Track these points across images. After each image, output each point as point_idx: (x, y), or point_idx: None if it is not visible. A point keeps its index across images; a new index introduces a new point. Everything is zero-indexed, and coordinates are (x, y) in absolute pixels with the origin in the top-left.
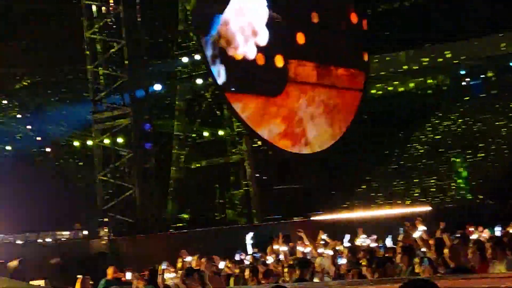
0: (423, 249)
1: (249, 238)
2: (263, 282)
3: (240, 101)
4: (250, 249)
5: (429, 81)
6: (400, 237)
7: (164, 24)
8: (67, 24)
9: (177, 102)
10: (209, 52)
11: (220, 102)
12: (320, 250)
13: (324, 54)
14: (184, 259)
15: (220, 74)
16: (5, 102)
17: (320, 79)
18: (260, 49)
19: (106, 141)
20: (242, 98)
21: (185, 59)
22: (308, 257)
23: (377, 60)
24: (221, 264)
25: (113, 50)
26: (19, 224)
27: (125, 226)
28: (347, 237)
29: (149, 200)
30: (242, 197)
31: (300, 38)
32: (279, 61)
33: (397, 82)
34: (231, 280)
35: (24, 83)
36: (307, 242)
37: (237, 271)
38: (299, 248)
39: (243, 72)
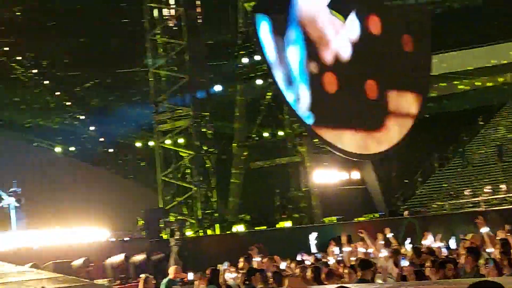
0: (489, 250)
1: (313, 238)
2: (325, 283)
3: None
4: (313, 249)
5: (499, 79)
6: (468, 236)
7: (224, 25)
8: (130, 26)
9: (237, 103)
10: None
11: (279, 103)
12: (382, 251)
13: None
14: (253, 258)
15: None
16: (69, 103)
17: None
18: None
19: (167, 141)
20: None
21: (245, 60)
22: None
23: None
24: (283, 265)
25: (174, 52)
26: (85, 222)
27: (186, 226)
28: (409, 239)
29: (210, 200)
30: (303, 198)
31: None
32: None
33: (465, 81)
34: (285, 281)
35: (88, 85)
36: (369, 243)
37: (297, 271)
38: (361, 249)
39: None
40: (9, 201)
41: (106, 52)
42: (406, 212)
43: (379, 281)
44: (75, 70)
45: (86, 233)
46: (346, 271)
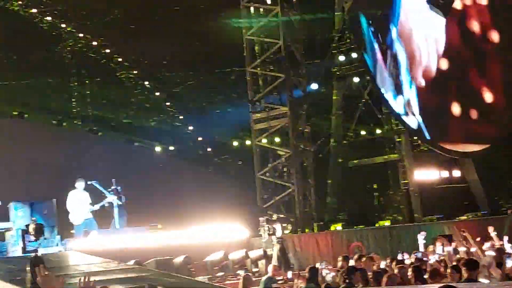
0: None
1: (421, 238)
2: (429, 282)
3: None
4: (421, 248)
5: None
6: None
7: (321, 23)
8: (227, 26)
9: (334, 101)
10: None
11: (377, 101)
12: (487, 250)
13: None
14: (352, 257)
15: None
16: (168, 103)
17: None
18: None
19: (264, 140)
20: None
21: (341, 58)
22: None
23: None
24: (382, 264)
25: (271, 50)
26: (184, 221)
27: (285, 224)
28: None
29: (308, 199)
30: (402, 196)
31: None
32: None
33: None
34: (384, 279)
35: (186, 85)
36: (471, 242)
37: (395, 270)
38: (462, 248)
39: None
40: (112, 199)
41: (204, 52)
42: (510, 211)
43: (484, 280)
44: (174, 70)
45: (188, 231)
46: (448, 270)
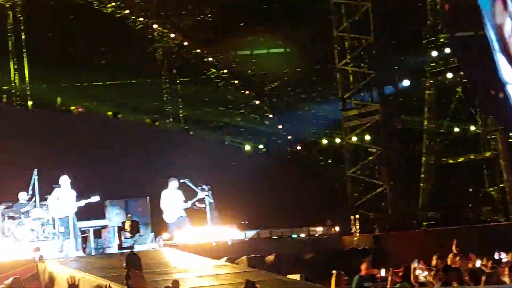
0: None
1: None
2: None
3: None
4: None
5: None
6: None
7: (412, 18)
8: (317, 23)
9: (426, 98)
10: None
11: (470, 97)
12: None
13: None
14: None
15: None
16: (257, 103)
17: None
18: None
19: (354, 138)
20: None
21: (434, 53)
22: None
23: None
24: (477, 263)
25: (361, 47)
26: (274, 219)
27: (376, 223)
28: None
29: (400, 197)
30: (498, 195)
31: None
32: None
33: None
34: (482, 277)
35: (275, 84)
36: None
37: (487, 270)
38: None
39: None
40: (203, 196)
41: (293, 51)
42: None
43: None
44: (263, 69)
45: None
46: None
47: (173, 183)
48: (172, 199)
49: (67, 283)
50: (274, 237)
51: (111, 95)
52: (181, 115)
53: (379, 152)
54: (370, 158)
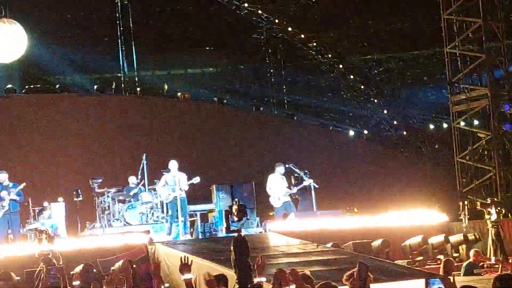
0: None
1: None
2: None
3: None
4: None
5: None
6: None
7: None
8: (425, 5)
9: None
10: None
11: None
12: None
13: None
14: None
15: None
16: (362, 87)
17: None
18: None
19: (462, 123)
20: None
21: None
22: None
23: None
24: None
25: (470, 30)
26: (379, 205)
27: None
28: None
29: (510, 183)
30: None
31: None
32: None
33: None
34: None
35: (381, 69)
36: None
37: None
38: None
39: None
40: (309, 182)
41: (399, 33)
42: None
43: None
44: (368, 53)
45: (386, 215)
46: None
47: (280, 168)
48: (278, 183)
49: (180, 262)
50: None
51: (217, 81)
52: (286, 100)
53: (489, 137)
54: (479, 143)
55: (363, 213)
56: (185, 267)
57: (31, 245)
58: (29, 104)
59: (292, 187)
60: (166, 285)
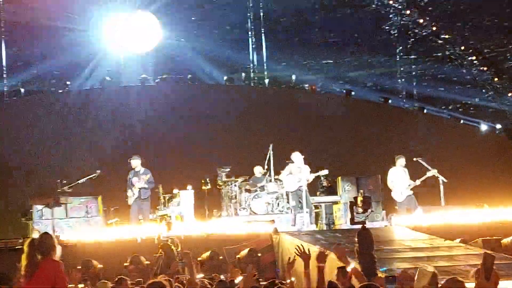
0: None
1: None
2: None
3: None
4: None
5: None
6: None
7: None
8: None
9: None
10: None
11: None
12: None
13: None
14: None
15: None
16: (496, 79)
17: None
18: None
19: None
20: None
21: None
22: None
23: None
24: None
25: None
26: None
27: None
28: None
29: None
30: None
31: None
32: None
33: None
34: None
35: None
36: None
37: None
38: None
39: None
40: (434, 174)
41: None
42: None
43: None
44: (503, 46)
45: None
46: None
47: (401, 161)
48: (399, 177)
49: (297, 251)
50: None
51: (345, 73)
52: (415, 92)
53: None
54: None
55: (493, 207)
56: (321, 255)
57: (155, 230)
58: (162, 93)
59: (416, 180)
60: (293, 278)
